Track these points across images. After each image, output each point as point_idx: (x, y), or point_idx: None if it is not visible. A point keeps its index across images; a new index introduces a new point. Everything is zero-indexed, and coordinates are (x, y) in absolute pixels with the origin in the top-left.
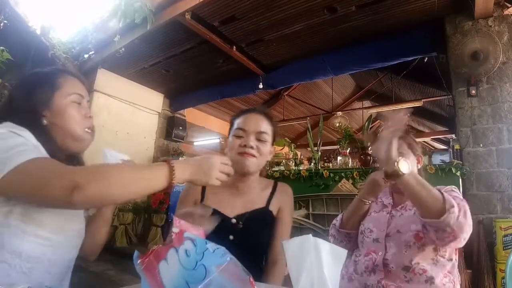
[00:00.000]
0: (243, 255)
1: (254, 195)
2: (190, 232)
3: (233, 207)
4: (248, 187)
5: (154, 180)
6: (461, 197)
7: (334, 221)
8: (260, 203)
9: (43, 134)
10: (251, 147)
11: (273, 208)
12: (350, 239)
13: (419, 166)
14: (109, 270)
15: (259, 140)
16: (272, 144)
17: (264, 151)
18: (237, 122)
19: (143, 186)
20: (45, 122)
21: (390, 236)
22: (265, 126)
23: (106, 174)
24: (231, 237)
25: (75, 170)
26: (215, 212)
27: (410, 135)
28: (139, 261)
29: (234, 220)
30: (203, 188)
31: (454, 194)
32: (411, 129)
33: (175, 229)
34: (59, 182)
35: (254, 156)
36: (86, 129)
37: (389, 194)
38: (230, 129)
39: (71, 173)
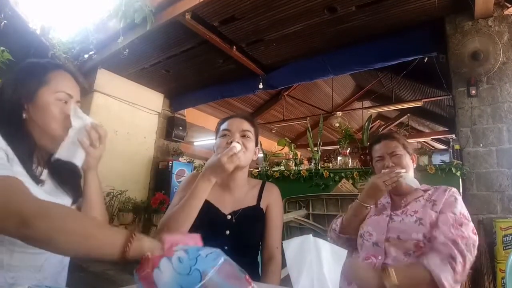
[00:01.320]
0: (239, 248)
1: (245, 194)
2: (185, 243)
3: (227, 204)
4: (238, 186)
5: (106, 244)
6: (466, 221)
7: (333, 226)
8: (251, 201)
9: (19, 129)
10: (237, 142)
11: (263, 205)
12: (350, 244)
13: (414, 165)
14: (109, 270)
15: (243, 137)
16: (256, 145)
17: (249, 146)
18: (222, 126)
19: (92, 244)
20: (24, 116)
21: (390, 241)
22: (248, 126)
23: (54, 216)
24: (227, 232)
25: (25, 204)
26: (212, 207)
27: (402, 136)
28: (135, 271)
29: (229, 217)
30: None
31: (461, 220)
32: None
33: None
34: (8, 214)
35: (238, 154)
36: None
37: (387, 194)
38: (216, 134)
39: (21, 206)
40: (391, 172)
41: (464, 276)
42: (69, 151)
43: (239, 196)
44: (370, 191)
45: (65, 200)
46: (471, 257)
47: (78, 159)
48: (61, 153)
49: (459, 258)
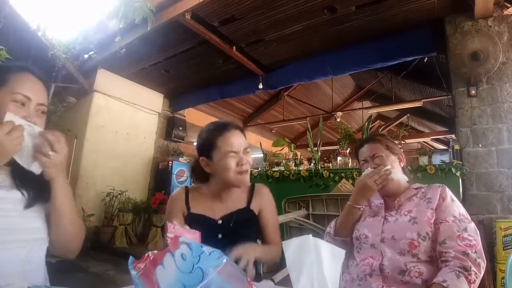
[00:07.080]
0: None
1: (235, 198)
2: (185, 236)
3: (218, 211)
4: (230, 194)
5: None
6: (467, 221)
7: (328, 229)
8: (240, 204)
9: None
10: (247, 163)
11: (254, 208)
12: (345, 246)
13: (402, 164)
14: (109, 270)
15: (246, 153)
16: None
17: (251, 161)
18: (224, 142)
19: None
20: None
21: (385, 242)
22: (246, 141)
23: None
24: (219, 235)
25: None
26: (202, 217)
27: (387, 137)
28: (134, 267)
29: (220, 221)
30: (187, 199)
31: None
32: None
33: (169, 235)
34: None
35: (248, 170)
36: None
37: (379, 196)
38: (212, 148)
39: None
40: (379, 171)
41: (479, 281)
42: (25, 159)
43: (229, 201)
44: (360, 192)
45: (18, 197)
46: (483, 263)
47: (34, 168)
48: (21, 160)
49: (473, 268)
